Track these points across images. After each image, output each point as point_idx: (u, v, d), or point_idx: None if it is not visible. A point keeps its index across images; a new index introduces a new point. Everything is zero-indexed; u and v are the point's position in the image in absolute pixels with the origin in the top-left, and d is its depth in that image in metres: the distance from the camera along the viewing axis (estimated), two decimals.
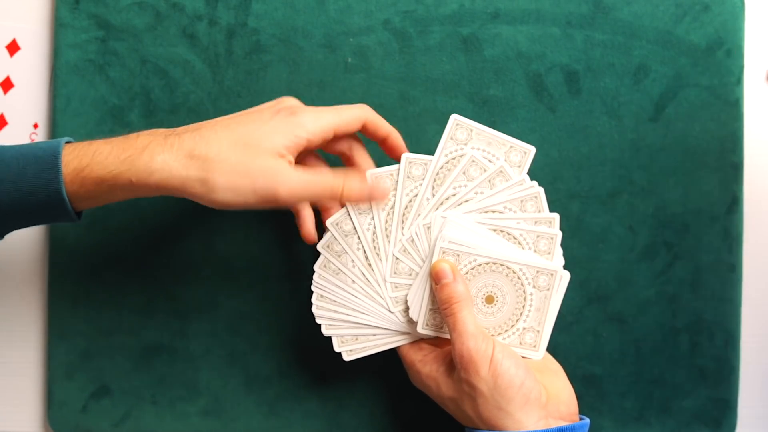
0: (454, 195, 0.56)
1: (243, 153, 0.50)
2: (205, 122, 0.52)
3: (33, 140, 0.64)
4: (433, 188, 0.57)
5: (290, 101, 0.54)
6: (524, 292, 0.55)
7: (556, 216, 0.56)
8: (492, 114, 0.62)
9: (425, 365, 0.55)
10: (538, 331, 0.56)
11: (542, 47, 0.62)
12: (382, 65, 0.62)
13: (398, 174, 0.56)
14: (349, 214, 0.57)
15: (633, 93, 0.62)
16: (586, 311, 0.62)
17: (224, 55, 0.62)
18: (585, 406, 0.62)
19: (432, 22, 0.62)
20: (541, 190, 0.56)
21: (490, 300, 0.55)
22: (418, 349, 0.57)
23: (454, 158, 0.56)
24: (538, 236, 0.55)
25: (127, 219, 0.62)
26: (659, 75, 0.62)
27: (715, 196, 0.62)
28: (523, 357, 0.56)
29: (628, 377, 0.62)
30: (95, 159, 0.50)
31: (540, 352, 0.56)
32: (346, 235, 0.57)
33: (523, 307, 0.55)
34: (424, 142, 0.61)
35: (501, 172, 0.56)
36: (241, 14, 0.62)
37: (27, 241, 0.63)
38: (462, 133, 0.56)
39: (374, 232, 0.57)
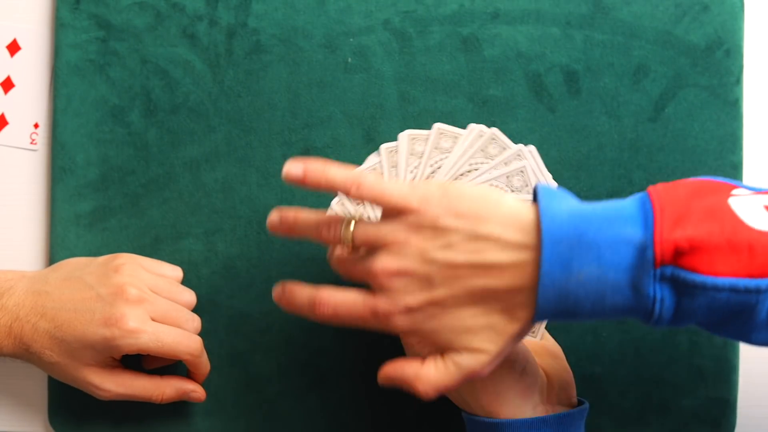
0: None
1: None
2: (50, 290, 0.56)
3: (33, 140, 0.64)
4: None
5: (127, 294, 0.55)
6: None
7: (521, 146, 0.55)
8: (492, 114, 0.62)
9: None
10: None
11: (542, 47, 0.62)
12: (382, 65, 0.62)
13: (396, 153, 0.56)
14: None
15: (632, 93, 0.62)
16: None
17: (224, 55, 0.62)
18: None
19: (432, 22, 0.62)
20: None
21: None
22: None
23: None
24: (508, 177, 0.54)
25: (127, 219, 0.62)
26: (659, 75, 0.62)
27: None
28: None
29: (627, 377, 0.62)
30: None
31: (538, 336, 0.56)
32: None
33: None
34: None
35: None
36: (241, 14, 0.62)
37: (27, 240, 0.64)
38: (495, 148, 0.56)
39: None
